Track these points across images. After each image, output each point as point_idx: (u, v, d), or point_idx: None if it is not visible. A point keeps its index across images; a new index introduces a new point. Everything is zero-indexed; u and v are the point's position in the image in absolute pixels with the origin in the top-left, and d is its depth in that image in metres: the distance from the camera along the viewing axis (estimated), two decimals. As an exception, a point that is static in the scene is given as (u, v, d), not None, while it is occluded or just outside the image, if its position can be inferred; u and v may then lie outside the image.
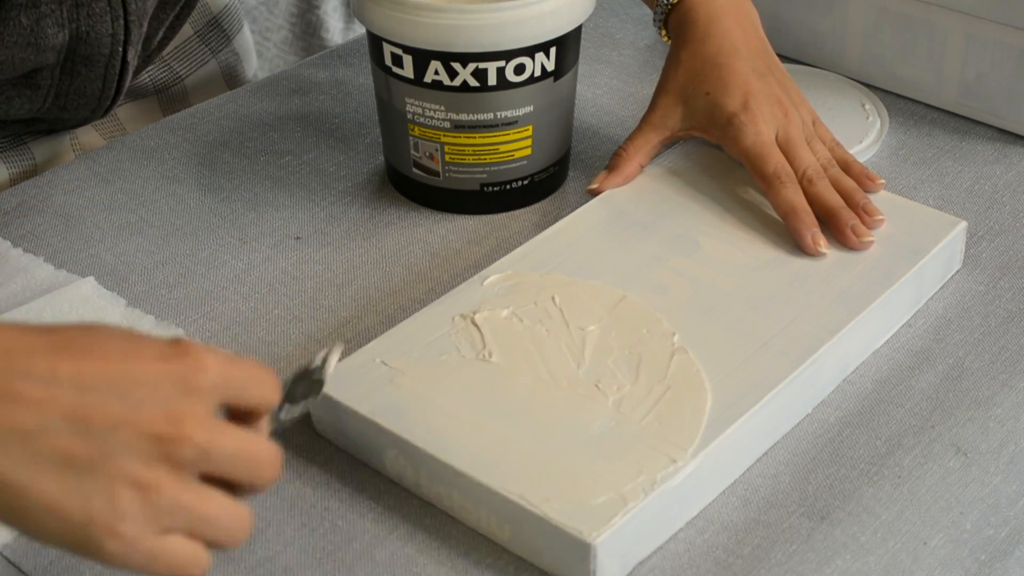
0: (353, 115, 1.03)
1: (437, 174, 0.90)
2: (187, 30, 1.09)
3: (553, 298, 0.79)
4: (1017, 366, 0.79)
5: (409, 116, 0.89)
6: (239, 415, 0.57)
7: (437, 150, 0.89)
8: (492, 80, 0.86)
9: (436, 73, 0.86)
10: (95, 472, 0.51)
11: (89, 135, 1.06)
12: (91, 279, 0.85)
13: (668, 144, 0.91)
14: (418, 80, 0.86)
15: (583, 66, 1.06)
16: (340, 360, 0.70)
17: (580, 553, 0.64)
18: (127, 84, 0.96)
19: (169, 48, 1.09)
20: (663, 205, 0.87)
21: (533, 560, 0.67)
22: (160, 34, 1.00)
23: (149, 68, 1.07)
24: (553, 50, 0.87)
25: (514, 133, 0.89)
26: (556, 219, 0.87)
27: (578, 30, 0.89)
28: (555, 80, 0.88)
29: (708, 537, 0.68)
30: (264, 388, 0.57)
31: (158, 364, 0.53)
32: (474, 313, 0.77)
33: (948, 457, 0.73)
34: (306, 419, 0.75)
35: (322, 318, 0.83)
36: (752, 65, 0.88)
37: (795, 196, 0.84)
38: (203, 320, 0.83)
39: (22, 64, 0.88)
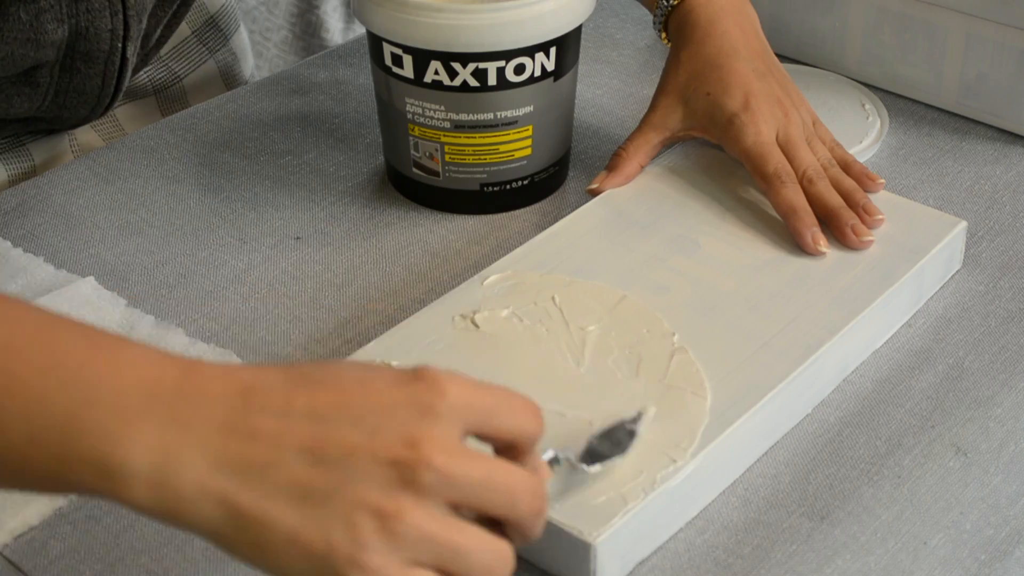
0: (353, 115, 1.03)
1: (437, 174, 0.90)
2: (184, 30, 1.09)
3: (553, 298, 0.79)
4: (1017, 366, 0.79)
5: (409, 116, 0.89)
6: (503, 450, 0.54)
7: (437, 150, 0.89)
8: (492, 80, 0.86)
9: (436, 73, 0.86)
10: (333, 502, 0.49)
11: (88, 135, 1.06)
12: (91, 279, 0.85)
13: (668, 144, 0.91)
14: (418, 80, 0.86)
15: (583, 66, 1.06)
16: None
17: (580, 553, 0.64)
18: (126, 82, 0.96)
19: (167, 48, 1.09)
20: (663, 205, 0.87)
21: (533, 560, 0.67)
22: (158, 32, 1.00)
23: (147, 68, 1.07)
24: (553, 50, 0.87)
25: (514, 133, 0.89)
26: (556, 219, 0.87)
27: (578, 30, 0.89)
28: (555, 80, 0.88)
29: (708, 537, 0.68)
30: (518, 417, 0.54)
31: (393, 390, 0.51)
32: (474, 313, 0.77)
33: (948, 457, 0.73)
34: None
35: (322, 318, 0.83)
36: (752, 65, 0.88)
37: (795, 196, 0.84)
38: (203, 320, 0.83)
39: (22, 60, 0.88)
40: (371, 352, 0.75)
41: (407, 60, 0.86)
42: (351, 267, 0.87)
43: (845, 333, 0.76)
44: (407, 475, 0.50)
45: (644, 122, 0.91)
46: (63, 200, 0.93)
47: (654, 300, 0.78)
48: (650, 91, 0.93)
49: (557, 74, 0.88)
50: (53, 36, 0.87)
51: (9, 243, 0.88)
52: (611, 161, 0.90)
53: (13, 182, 0.99)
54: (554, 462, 0.61)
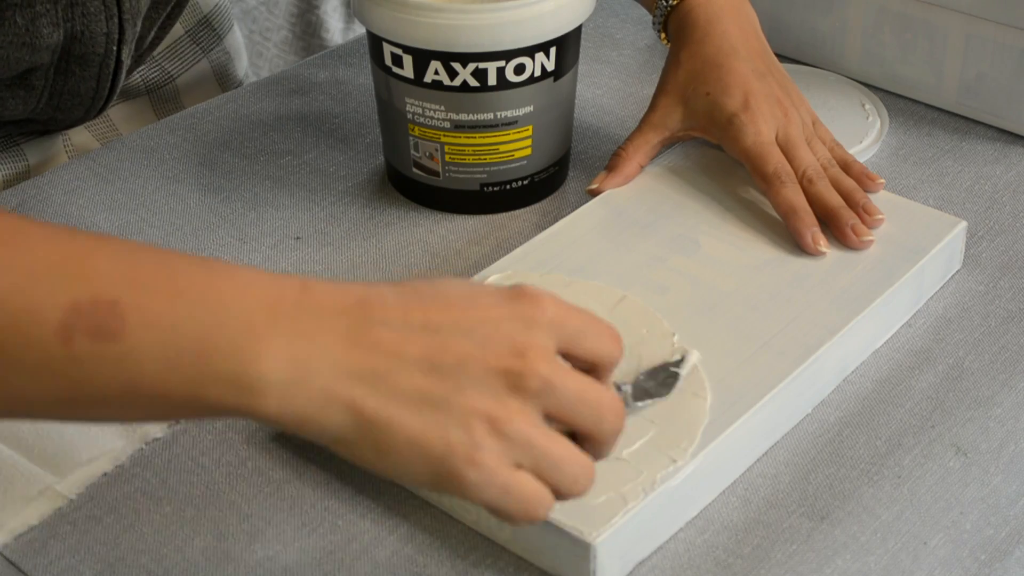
0: (353, 115, 1.03)
1: (437, 174, 0.90)
2: (178, 29, 1.09)
3: (553, 298, 0.79)
4: (1017, 366, 0.79)
5: (409, 116, 0.89)
6: (584, 372, 0.57)
7: (437, 150, 0.89)
8: (492, 80, 0.86)
9: (436, 73, 0.86)
10: (450, 406, 0.53)
11: (82, 136, 1.06)
12: (91, 279, 0.85)
13: (668, 145, 0.91)
14: (418, 80, 0.86)
15: (583, 66, 1.06)
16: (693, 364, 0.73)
17: (580, 553, 0.64)
18: (121, 84, 0.96)
19: (160, 47, 1.09)
20: (663, 205, 0.87)
21: (533, 560, 0.67)
22: (152, 33, 1.00)
23: (140, 68, 1.07)
24: (553, 50, 0.87)
25: (514, 133, 0.89)
26: (556, 219, 0.87)
27: (578, 30, 0.89)
28: (555, 80, 0.88)
29: (708, 537, 0.68)
30: (603, 340, 0.57)
31: (499, 305, 0.55)
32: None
33: (948, 457, 0.73)
34: (306, 419, 0.75)
35: (322, 318, 0.83)
36: (752, 65, 0.88)
37: (795, 196, 0.84)
38: (203, 320, 0.83)
39: (17, 64, 0.88)
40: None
41: (407, 60, 0.86)
42: (351, 267, 0.87)
43: (845, 333, 0.76)
44: (515, 382, 0.54)
45: (644, 122, 0.91)
46: (63, 200, 0.93)
47: (654, 300, 0.78)
48: (650, 91, 0.93)
49: (557, 74, 0.88)
50: (48, 40, 0.87)
51: (9, 243, 0.88)
52: (611, 161, 0.90)
53: (8, 183, 0.99)
54: (619, 391, 0.67)
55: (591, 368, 0.58)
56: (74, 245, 0.52)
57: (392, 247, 0.89)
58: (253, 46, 1.97)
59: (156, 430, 0.74)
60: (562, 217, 0.87)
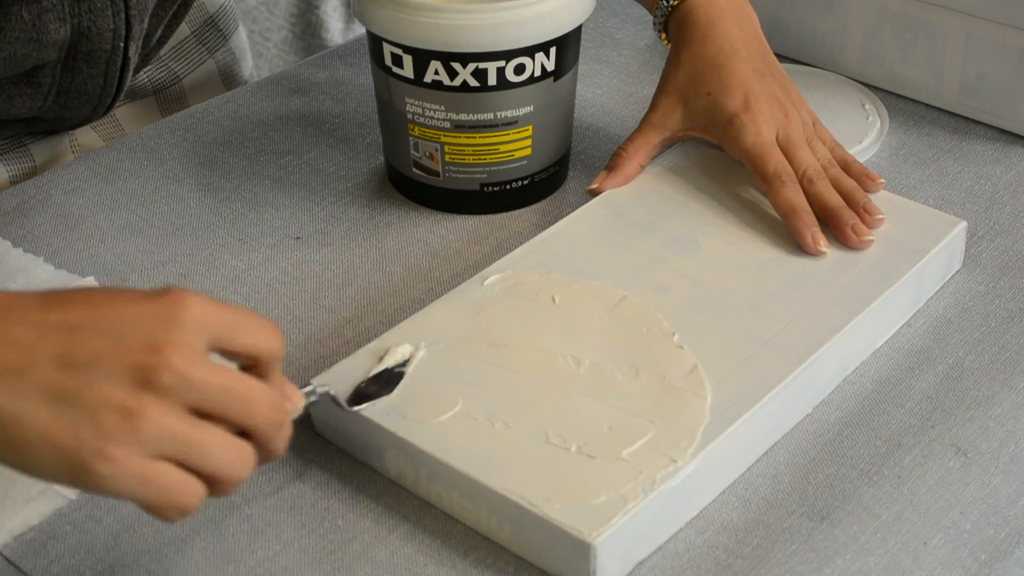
0: (353, 115, 1.03)
1: (437, 174, 0.90)
2: (184, 30, 1.09)
3: (553, 298, 0.79)
4: (1017, 366, 0.79)
5: (409, 116, 0.89)
6: (249, 368, 0.59)
7: (437, 150, 0.89)
8: (492, 80, 0.86)
9: (436, 73, 0.86)
10: (81, 401, 0.54)
11: (88, 136, 1.06)
12: (91, 279, 0.85)
13: (668, 145, 0.91)
14: (418, 80, 0.86)
15: (583, 66, 1.06)
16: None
17: (580, 553, 0.64)
18: (128, 82, 0.96)
19: (167, 48, 1.09)
20: (663, 205, 0.87)
21: (533, 560, 0.67)
22: (159, 31, 1.00)
23: (147, 68, 1.07)
24: (553, 50, 0.87)
25: (514, 133, 0.89)
26: (556, 219, 0.87)
27: (578, 30, 0.89)
28: (555, 80, 0.88)
29: (708, 537, 0.68)
30: (259, 334, 0.58)
31: (141, 304, 0.56)
32: (475, 313, 0.78)
33: (948, 457, 0.73)
34: (306, 419, 0.75)
35: (322, 318, 0.83)
36: (752, 66, 0.88)
37: (795, 196, 0.84)
38: (203, 320, 0.83)
39: (24, 60, 0.88)
40: (372, 351, 0.75)
41: (407, 60, 0.86)
42: (351, 267, 0.87)
43: (845, 333, 0.76)
44: (148, 376, 0.54)
45: (644, 122, 0.91)
46: (63, 200, 0.93)
47: (654, 300, 0.78)
48: (650, 91, 0.93)
49: (557, 74, 0.88)
50: (55, 36, 0.87)
51: (9, 243, 0.88)
52: (611, 161, 0.90)
53: (14, 182, 0.99)
54: (311, 395, 0.67)
55: (254, 363, 0.59)
56: None
57: (392, 247, 0.89)
58: (253, 46, 1.97)
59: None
60: (562, 217, 0.87)
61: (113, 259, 0.88)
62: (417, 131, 0.89)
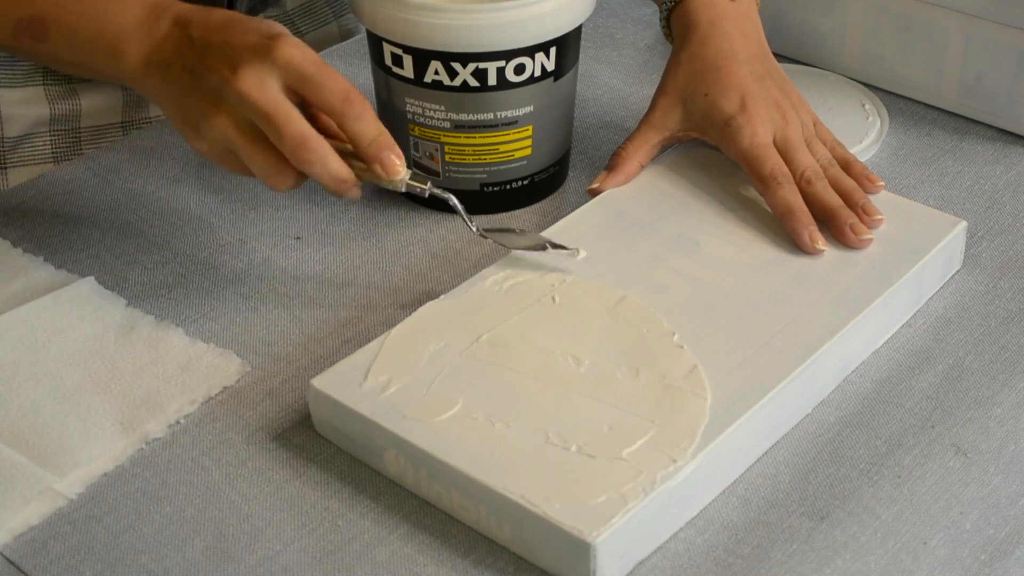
0: (353, 115, 1.03)
1: (437, 174, 0.90)
2: None
3: (553, 298, 0.79)
4: (1017, 366, 0.79)
5: (409, 116, 0.89)
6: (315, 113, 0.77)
7: (437, 150, 0.89)
8: (492, 80, 0.86)
9: (436, 73, 0.86)
10: (193, 94, 0.76)
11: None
12: (91, 279, 0.85)
13: (668, 145, 0.91)
14: (418, 80, 0.86)
15: (583, 66, 1.06)
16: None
17: (580, 553, 0.64)
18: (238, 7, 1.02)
19: (294, 4, 1.13)
20: (663, 204, 0.87)
21: (533, 560, 0.67)
22: None
23: (271, 16, 1.11)
24: (553, 50, 0.87)
25: (514, 133, 0.89)
26: (556, 219, 0.87)
27: (578, 30, 0.89)
28: (555, 80, 0.88)
29: (708, 537, 0.68)
30: (327, 96, 0.75)
31: (250, 38, 0.75)
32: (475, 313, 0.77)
33: (948, 457, 0.73)
34: (306, 419, 0.75)
35: (322, 318, 0.83)
36: (751, 68, 0.89)
37: (792, 196, 0.84)
38: (203, 320, 0.83)
39: None
40: (372, 351, 0.75)
41: (407, 60, 0.86)
42: (351, 267, 0.87)
43: (845, 333, 0.76)
44: (222, 91, 0.74)
45: (644, 122, 0.91)
46: (63, 200, 0.93)
47: (654, 300, 0.78)
48: (650, 91, 0.93)
49: (557, 74, 0.88)
50: None
51: (9, 243, 0.88)
52: (611, 161, 0.90)
53: (55, 122, 1.01)
54: (408, 179, 0.78)
55: (327, 113, 0.76)
56: None
57: (392, 247, 0.89)
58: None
59: (156, 430, 0.74)
60: (562, 217, 0.87)
61: (113, 259, 0.88)
62: (417, 131, 0.89)
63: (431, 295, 0.83)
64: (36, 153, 1.02)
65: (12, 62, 1.00)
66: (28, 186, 0.95)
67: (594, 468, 0.67)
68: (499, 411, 0.71)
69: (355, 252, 0.89)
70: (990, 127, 1.00)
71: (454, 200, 0.81)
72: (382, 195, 0.94)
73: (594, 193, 0.89)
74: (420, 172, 0.80)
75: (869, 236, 0.83)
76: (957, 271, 0.86)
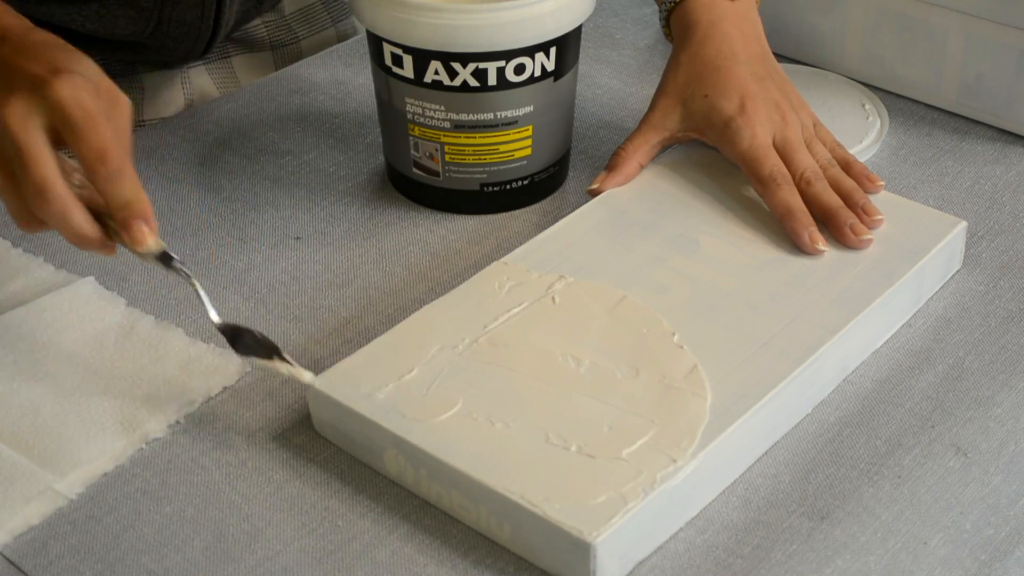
0: (353, 115, 1.03)
1: (437, 174, 0.90)
2: None
3: (553, 298, 0.79)
4: (1017, 366, 0.79)
5: (409, 116, 0.89)
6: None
7: (437, 150, 0.89)
8: (492, 80, 0.86)
9: (436, 73, 0.86)
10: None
11: (202, 78, 1.10)
12: (91, 279, 0.85)
13: (668, 145, 0.91)
14: (418, 80, 0.86)
15: (583, 66, 1.06)
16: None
17: (580, 553, 0.64)
18: (226, 20, 1.01)
19: (293, 9, 1.13)
20: (663, 205, 0.87)
21: (533, 560, 0.67)
22: None
23: (268, 24, 1.11)
24: (553, 50, 0.87)
25: (514, 133, 0.89)
26: (556, 219, 0.87)
27: (578, 30, 0.89)
28: (555, 80, 0.88)
29: (708, 537, 0.68)
30: (91, 150, 0.68)
31: (36, 72, 0.69)
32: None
33: (948, 457, 0.73)
34: (306, 419, 0.75)
35: (322, 318, 0.83)
36: (751, 69, 0.89)
37: (791, 197, 0.84)
38: (203, 320, 0.83)
39: None
40: (372, 351, 0.75)
41: (407, 60, 0.86)
42: (351, 267, 0.87)
43: (845, 333, 0.76)
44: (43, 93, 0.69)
45: (644, 122, 0.91)
46: (63, 200, 0.93)
47: (654, 300, 0.78)
48: (650, 91, 0.93)
49: (557, 74, 0.88)
50: None
51: (9, 243, 0.88)
52: (611, 161, 0.90)
53: None
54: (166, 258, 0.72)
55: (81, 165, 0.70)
56: None
57: (392, 247, 0.89)
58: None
59: (156, 430, 0.74)
60: (562, 217, 0.87)
61: (113, 259, 0.88)
62: (417, 131, 0.89)
63: (431, 295, 0.83)
64: None
65: None
66: (28, 186, 0.95)
67: (594, 468, 0.67)
68: (499, 411, 0.71)
69: (355, 252, 0.89)
70: (990, 127, 1.00)
71: (196, 284, 0.74)
72: (382, 195, 0.94)
73: (594, 193, 0.89)
74: (171, 254, 0.73)
75: (869, 236, 0.83)
76: (957, 271, 0.86)
